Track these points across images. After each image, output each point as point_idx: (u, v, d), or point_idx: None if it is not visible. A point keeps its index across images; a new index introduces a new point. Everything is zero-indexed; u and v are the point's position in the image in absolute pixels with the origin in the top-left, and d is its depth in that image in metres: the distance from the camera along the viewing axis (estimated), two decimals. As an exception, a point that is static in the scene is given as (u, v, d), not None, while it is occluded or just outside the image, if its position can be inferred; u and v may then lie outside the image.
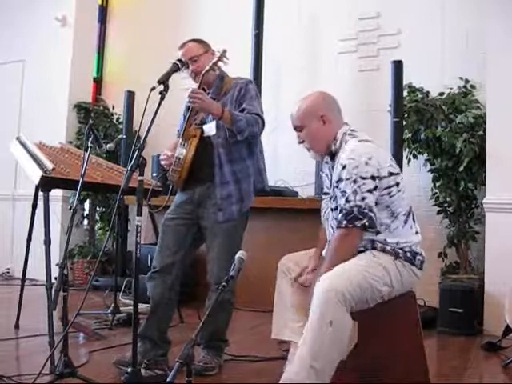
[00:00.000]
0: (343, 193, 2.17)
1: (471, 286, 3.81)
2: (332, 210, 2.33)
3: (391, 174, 2.20)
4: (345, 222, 2.14)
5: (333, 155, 2.34)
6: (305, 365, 1.97)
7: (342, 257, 2.14)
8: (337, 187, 2.22)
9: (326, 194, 2.46)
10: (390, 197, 2.20)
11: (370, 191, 2.13)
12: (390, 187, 2.19)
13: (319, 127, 2.34)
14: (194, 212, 2.84)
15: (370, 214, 2.12)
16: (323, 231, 2.49)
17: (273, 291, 2.51)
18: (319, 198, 2.89)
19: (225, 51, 2.72)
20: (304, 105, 2.38)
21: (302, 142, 2.40)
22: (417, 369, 2.25)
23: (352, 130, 2.35)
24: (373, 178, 2.14)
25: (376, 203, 2.16)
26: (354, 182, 2.13)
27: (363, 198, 2.12)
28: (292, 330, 2.39)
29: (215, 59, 2.73)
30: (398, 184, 2.22)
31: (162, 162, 2.88)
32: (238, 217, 2.82)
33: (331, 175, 2.37)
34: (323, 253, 2.38)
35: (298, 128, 2.40)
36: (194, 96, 2.64)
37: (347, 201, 2.14)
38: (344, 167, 2.16)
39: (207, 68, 2.73)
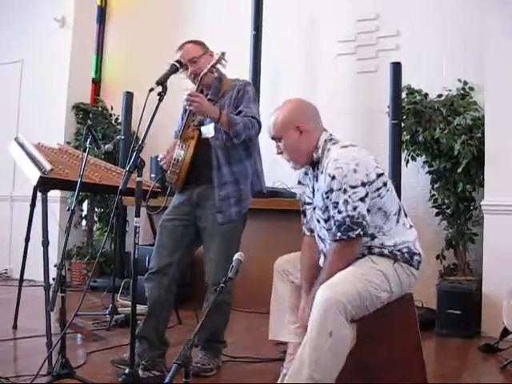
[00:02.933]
0: (335, 204, 2.13)
1: (469, 288, 3.81)
2: (319, 221, 2.29)
3: (379, 175, 2.18)
4: (339, 234, 2.12)
5: (315, 164, 2.29)
6: (304, 375, 1.97)
7: (339, 269, 2.11)
8: (327, 198, 2.17)
9: (308, 203, 2.40)
10: (381, 198, 2.18)
11: (361, 199, 2.10)
12: (379, 189, 2.17)
13: (296, 138, 2.28)
14: (191, 213, 2.84)
15: (364, 222, 2.10)
16: (307, 244, 2.44)
17: (270, 293, 2.51)
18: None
19: (223, 54, 2.72)
20: (279, 116, 2.31)
21: (281, 153, 2.34)
22: (414, 370, 2.25)
23: (330, 135, 2.31)
24: (363, 184, 2.11)
25: (370, 209, 2.13)
26: (344, 191, 2.09)
27: (355, 208, 2.09)
28: (289, 331, 2.39)
29: (213, 61, 2.72)
30: (385, 184, 2.20)
31: (161, 163, 2.88)
32: (237, 218, 2.82)
33: (313, 185, 2.33)
34: (320, 262, 2.36)
35: (275, 139, 2.34)
36: (192, 99, 2.63)
37: (339, 212, 2.11)
38: (333, 178, 2.11)
39: (205, 70, 2.72)
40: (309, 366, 1.96)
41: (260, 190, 2.97)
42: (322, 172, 2.23)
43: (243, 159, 2.84)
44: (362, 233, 2.10)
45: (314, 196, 2.33)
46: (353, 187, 2.09)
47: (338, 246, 2.15)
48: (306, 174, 2.42)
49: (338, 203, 2.12)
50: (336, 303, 1.96)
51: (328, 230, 2.24)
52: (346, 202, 2.10)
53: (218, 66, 2.75)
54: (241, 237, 2.89)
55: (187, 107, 2.70)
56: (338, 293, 1.99)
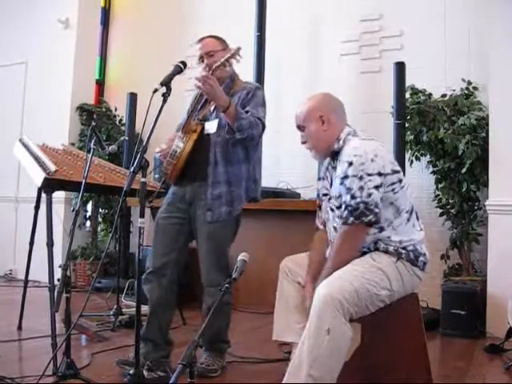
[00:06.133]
0: (348, 189, 2.16)
1: (474, 288, 3.81)
2: (333, 209, 2.32)
3: (394, 171, 2.22)
4: (351, 218, 2.14)
5: (335, 154, 2.35)
6: (303, 372, 1.97)
7: (347, 254, 2.15)
8: (341, 184, 2.21)
9: (325, 195, 2.45)
10: (394, 193, 2.21)
11: (376, 187, 2.13)
12: (393, 184, 2.21)
13: (318, 128, 2.36)
14: (186, 211, 2.81)
15: (376, 210, 2.13)
16: (318, 238, 2.47)
17: (274, 293, 2.51)
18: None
19: (239, 48, 2.68)
20: (306, 105, 2.41)
21: (305, 142, 2.42)
22: (419, 370, 2.24)
23: (355, 131, 2.38)
24: (379, 174, 2.15)
25: (381, 199, 2.16)
26: (361, 178, 2.13)
27: (369, 195, 2.12)
28: (294, 332, 2.38)
29: (228, 55, 2.68)
30: (400, 181, 2.23)
31: (159, 155, 2.87)
32: (227, 218, 2.78)
33: (331, 175, 2.38)
34: (326, 254, 2.37)
35: (300, 128, 2.42)
36: (206, 80, 2.59)
37: (353, 197, 2.14)
38: (350, 164, 2.17)
39: (218, 63, 2.68)
40: (307, 363, 1.96)
41: (255, 198, 2.92)
42: (340, 161, 2.28)
43: (241, 161, 2.82)
44: (373, 219, 2.12)
45: (331, 186, 2.38)
46: (369, 175, 2.14)
47: (347, 230, 2.17)
48: (327, 168, 2.47)
49: (351, 189, 2.15)
50: (333, 300, 1.97)
51: (340, 217, 2.25)
52: (361, 188, 2.13)
53: (233, 60, 2.71)
54: (232, 239, 2.86)
55: (198, 85, 2.63)
56: (335, 290, 2.00)
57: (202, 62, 2.81)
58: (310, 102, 2.42)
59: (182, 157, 2.74)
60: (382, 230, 2.20)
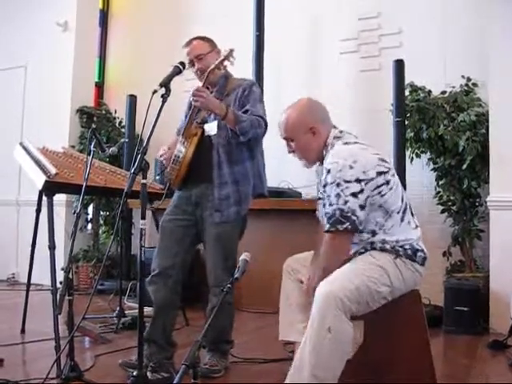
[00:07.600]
0: (328, 197, 2.16)
1: (476, 285, 3.81)
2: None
3: (380, 173, 2.18)
4: (328, 225, 2.14)
5: (323, 160, 2.32)
6: (306, 373, 1.97)
7: (331, 261, 2.14)
8: (324, 192, 2.22)
9: (320, 198, 2.44)
10: (382, 196, 2.18)
11: (353, 195, 2.10)
12: (379, 187, 2.17)
13: (309, 139, 2.31)
14: (192, 213, 2.82)
15: (353, 217, 2.10)
16: (321, 235, 2.46)
17: (277, 292, 2.51)
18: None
19: (232, 50, 2.67)
20: (291, 117, 2.33)
21: (293, 151, 2.38)
22: (423, 368, 2.24)
23: (340, 132, 2.33)
24: (358, 180, 2.11)
25: (365, 206, 2.12)
26: (338, 185, 2.11)
27: (346, 202, 2.10)
28: (298, 331, 2.38)
29: (222, 58, 2.68)
30: (388, 182, 2.19)
31: (161, 158, 2.86)
32: (235, 219, 2.79)
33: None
34: None
35: (287, 139, 2.37)
36: (198, 94, 2.61)
37: (330, 204, 2.14)
38: (329, 171, 2.15)
39: (212, 66, 2.69)
40: (309, 362, 1.97)
41: (262, 193, 2.94)
42: (323, 168, 2.26)
43: (245, 160, 2.82)
44: (349, 227, 2.10)
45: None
46: (346, 182, 2.11)
47: (328, 239, 2.16)
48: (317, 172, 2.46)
49: (330, 196, 2.14)
50: (334, 299, 1.97)
51: None
52: (338, 195, 2.11)
53: (226, 62, 2.71)
54: (239, 238, 2.86)
55: (193, 103, 2.68)
56: (336, 288, 2.00)
57: (193, 66, 2.81)
58: (295, 113, 2.33)
59: (184, 162, 2.75)
60: (374, 233, 2.19)
